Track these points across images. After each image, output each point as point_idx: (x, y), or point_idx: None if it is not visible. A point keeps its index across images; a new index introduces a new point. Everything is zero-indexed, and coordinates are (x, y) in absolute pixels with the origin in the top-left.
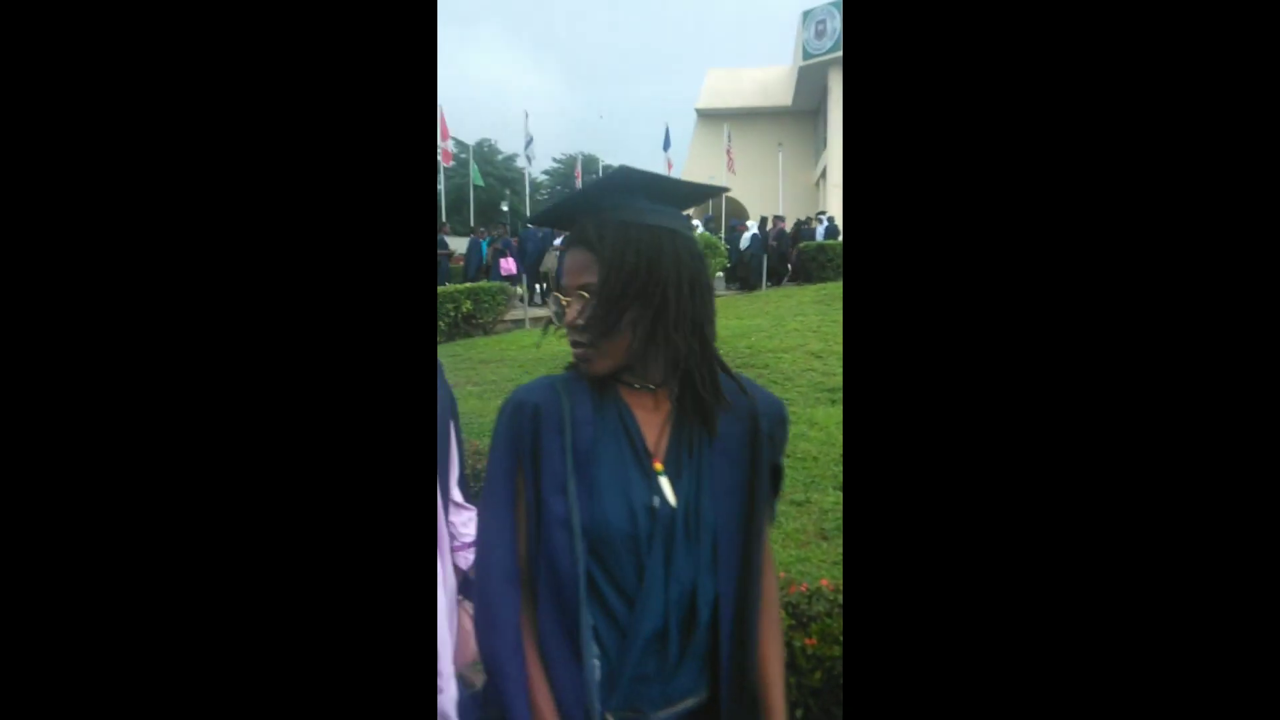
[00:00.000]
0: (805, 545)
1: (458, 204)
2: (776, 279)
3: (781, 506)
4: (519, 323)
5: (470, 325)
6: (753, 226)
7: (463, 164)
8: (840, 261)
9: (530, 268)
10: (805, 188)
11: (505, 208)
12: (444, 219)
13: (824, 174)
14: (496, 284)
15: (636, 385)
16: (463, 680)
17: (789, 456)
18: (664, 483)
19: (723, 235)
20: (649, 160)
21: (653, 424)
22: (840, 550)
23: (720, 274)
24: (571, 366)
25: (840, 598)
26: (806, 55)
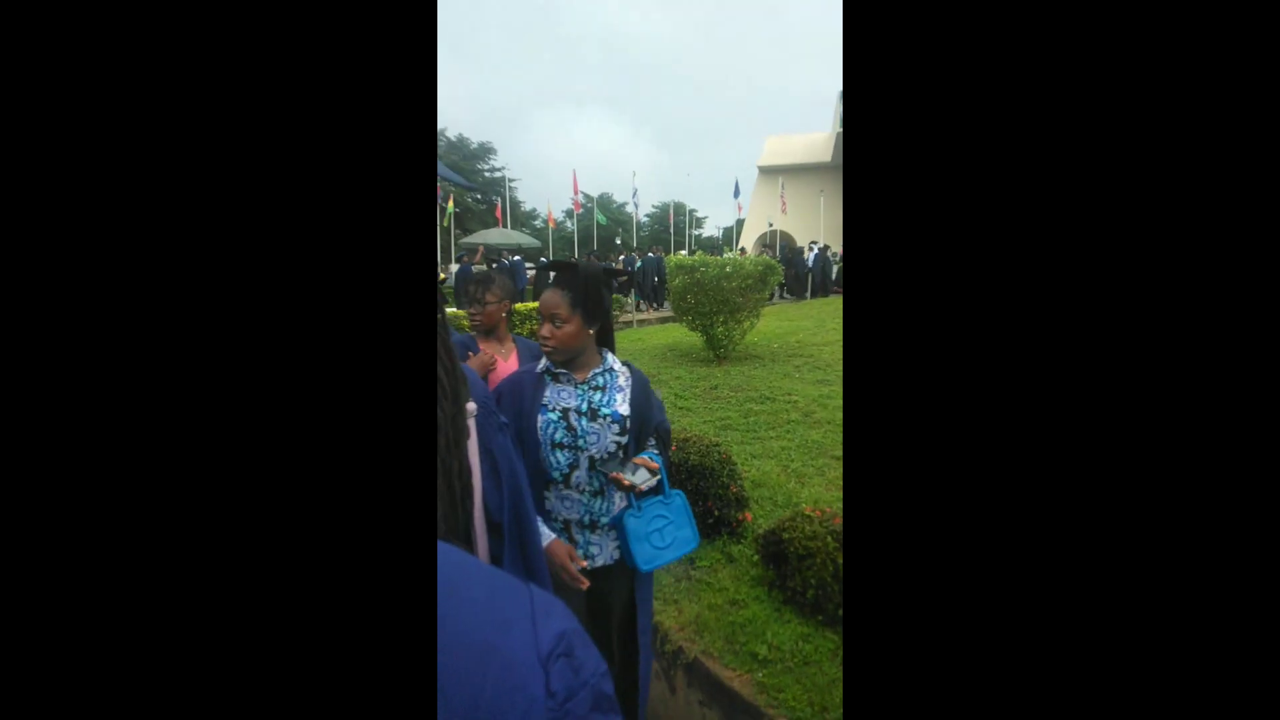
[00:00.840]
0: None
1: (586, 239)
2: (823, 291)
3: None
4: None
5: None
6: (815, 248)
7: (588, 211)
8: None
9: (652, 286)
10: (839, 224)
11: (619, 241)
12: (577, 251)
13: None
14: None
15: None
16: None
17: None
18: None
19: (778, 257)
20: (724, 206)
21: None
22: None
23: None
24: None
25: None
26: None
